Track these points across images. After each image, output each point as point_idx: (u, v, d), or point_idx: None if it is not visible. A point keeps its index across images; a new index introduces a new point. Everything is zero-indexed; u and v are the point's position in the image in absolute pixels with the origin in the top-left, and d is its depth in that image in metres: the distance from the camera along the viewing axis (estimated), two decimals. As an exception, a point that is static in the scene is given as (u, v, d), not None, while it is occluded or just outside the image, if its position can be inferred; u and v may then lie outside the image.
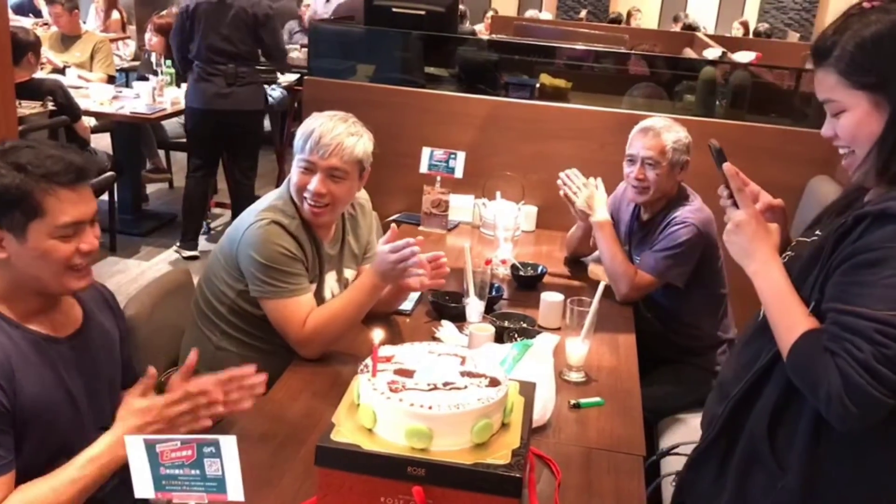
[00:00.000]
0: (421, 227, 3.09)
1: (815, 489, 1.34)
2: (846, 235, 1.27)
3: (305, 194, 2.02)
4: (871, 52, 1.25)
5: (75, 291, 1.52)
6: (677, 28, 9.72)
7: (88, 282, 1.50)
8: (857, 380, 1.18)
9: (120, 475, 1.39)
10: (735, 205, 1.41)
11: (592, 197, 2.59)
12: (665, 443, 2.35)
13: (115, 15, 7.19)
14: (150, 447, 1.22)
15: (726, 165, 1.42)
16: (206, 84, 4.51)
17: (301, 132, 2.04)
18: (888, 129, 1.26)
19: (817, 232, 1.42)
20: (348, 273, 2.26)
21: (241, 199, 4.74)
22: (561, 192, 2.65)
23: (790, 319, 1.30)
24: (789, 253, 1.47)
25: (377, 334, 1.42)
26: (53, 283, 1.45)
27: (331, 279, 2.19)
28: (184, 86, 4.82)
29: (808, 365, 1.26)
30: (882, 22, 1.25)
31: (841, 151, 1.36)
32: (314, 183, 2.00)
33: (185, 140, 5.05)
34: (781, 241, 1.49)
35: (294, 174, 2.05)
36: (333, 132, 2.00)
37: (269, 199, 2.10)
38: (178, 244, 4.80)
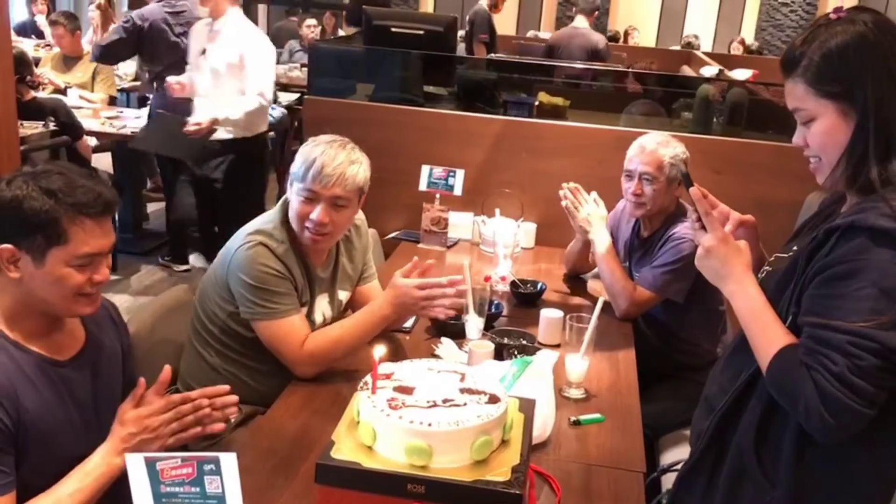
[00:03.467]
0: (420, 245, 3.10)
1: (803, 500, 1.35)
2: (818, 249, 1.29)
3: (307, 223, 2.00)
4: (837, 62, 1.28)
5: (82, 316, 1.54)
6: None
7: (95, 308, 1.52)
8: (833, 393, 1.20)
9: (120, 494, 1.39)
10: (703, 228, 1.42)
11: (593, 214, 2.60)
12: (665, 459, 2.34)
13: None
14: (150, 465, 1.22)
15: (693, 190, 1.43)
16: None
17: (301, 160, 2.01)
18: (855, 137, 1.28)
19: (794, 247, 1.43)
20: (342, 295, 2.25)
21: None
22: (563, 203, 2.66)
23: (768, 336, 1.32)
24: (767, 268, 1.49)
25: (377, 351, 1.43)
26: (61, 307, 1.47)
27: (322, 302, 2.17)
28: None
29: (786, 380, 1.27)
30: (848, 33, 1.28)
31: (810, 160, 1.38)
32: (317, 212, 1.99)
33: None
34: (754, 257, 1.50)
35: (294, 203, 2.02)
36: (336, 161, 1.98)
37: (258, 222, 2.09)
38: (167, 257, 4.83)
